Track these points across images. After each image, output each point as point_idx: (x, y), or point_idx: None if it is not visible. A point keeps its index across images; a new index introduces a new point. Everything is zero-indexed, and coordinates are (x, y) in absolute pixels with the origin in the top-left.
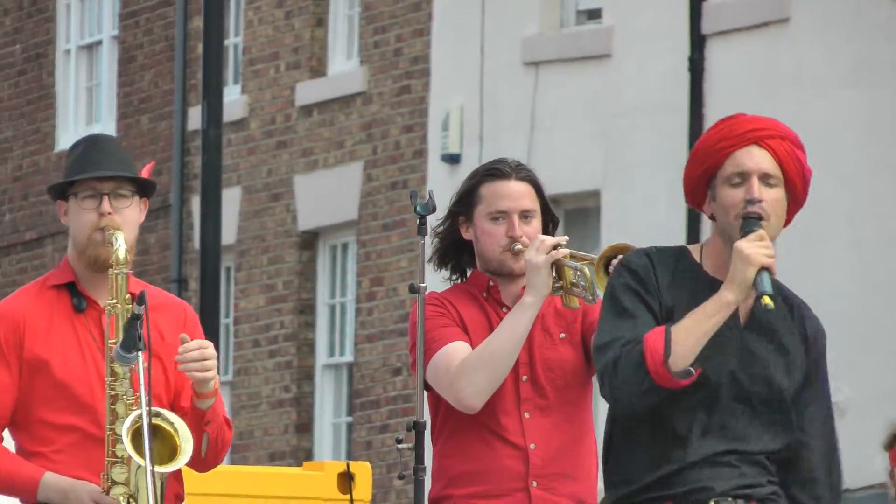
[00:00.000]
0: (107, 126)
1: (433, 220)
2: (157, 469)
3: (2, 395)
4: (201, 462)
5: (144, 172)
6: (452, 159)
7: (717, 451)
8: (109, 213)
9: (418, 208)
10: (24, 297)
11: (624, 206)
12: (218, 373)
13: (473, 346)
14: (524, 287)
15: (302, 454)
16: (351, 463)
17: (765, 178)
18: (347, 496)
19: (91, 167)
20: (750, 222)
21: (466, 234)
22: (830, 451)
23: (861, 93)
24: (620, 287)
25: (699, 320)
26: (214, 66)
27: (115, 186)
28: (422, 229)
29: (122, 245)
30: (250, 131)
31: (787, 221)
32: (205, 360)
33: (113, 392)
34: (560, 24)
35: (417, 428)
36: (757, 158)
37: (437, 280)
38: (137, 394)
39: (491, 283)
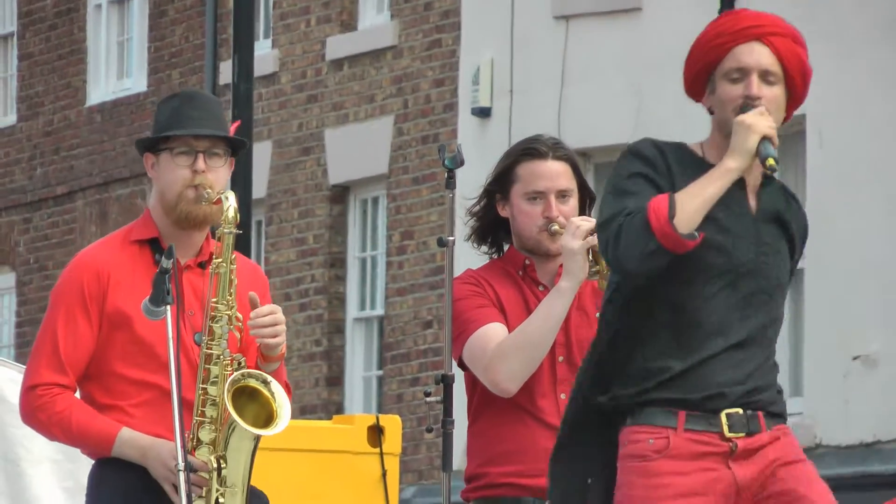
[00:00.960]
0: (138, 81)
1: (462, 179)
2: (252, 430)
3: (81, 346)
4: None
5: (231, 131)
6: (483, 113)
7: (736, 342)
8: (203, 171)
9: (447, 162)
10: (108, 249)
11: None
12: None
13: (510, 325)
14: (561, 266)
15: (333, 407)
16: (380, 416)
17: (764, 76)
18: (377, 449)
19: (189, 123)
20: (749, 108)
21: (503, 212)
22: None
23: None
24: (627, 173)
25: (703, 185)
26: (245, 20)
27: (210, 145)
28: (450, 183)
29: (233, 204)
30: (281, 85)
31: (787, 118)
32: (276, 325)
33: (209, 351)
34: None
35: (446, 381)
36: (757, 55)
37: (462, 234)
38: (235, 354)
39: (527, 262)
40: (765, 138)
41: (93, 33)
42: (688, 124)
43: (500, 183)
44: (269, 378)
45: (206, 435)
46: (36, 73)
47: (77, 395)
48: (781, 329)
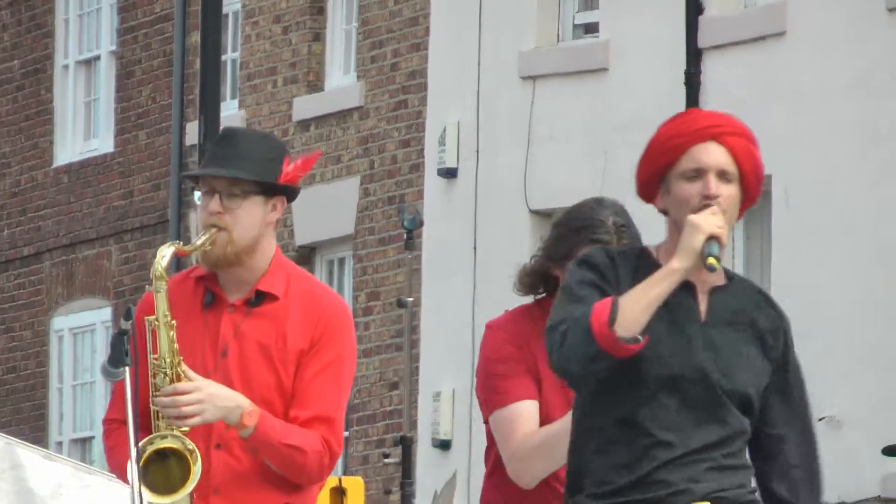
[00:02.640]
0: (105, 141)
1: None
2: (148, 495)
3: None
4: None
5: (294, 169)
6: (449, 174)
7: (692, 449)
8: (219, 213)
9: (406, 223)
10: (176, 281)
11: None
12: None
13: (542, 399)
14: None
15: None
16: (343, 478)
17: (721, 175)
18: None
19: (211, 163)
20: (706, 207)
21: (557, 272)
22: (808, 443)
23: (858, 106)
24: (578, 280)
25: (646, 287)
26: (212, 80)
27: (228, 184)
28: (410, 244)
29: (164, 257)
30: None
31: (739, 216)
32: (177, 406)
33: (154, 408)
34: (557, 39)
35: (405, 443)
36: (714, 154)
37: (432, 296)
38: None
39: None
40: (712, 238)
41: (60, 94)
42: None
43: (556, 259)
44: (193, 447)
45: None
46: (3, 134)
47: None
48: None
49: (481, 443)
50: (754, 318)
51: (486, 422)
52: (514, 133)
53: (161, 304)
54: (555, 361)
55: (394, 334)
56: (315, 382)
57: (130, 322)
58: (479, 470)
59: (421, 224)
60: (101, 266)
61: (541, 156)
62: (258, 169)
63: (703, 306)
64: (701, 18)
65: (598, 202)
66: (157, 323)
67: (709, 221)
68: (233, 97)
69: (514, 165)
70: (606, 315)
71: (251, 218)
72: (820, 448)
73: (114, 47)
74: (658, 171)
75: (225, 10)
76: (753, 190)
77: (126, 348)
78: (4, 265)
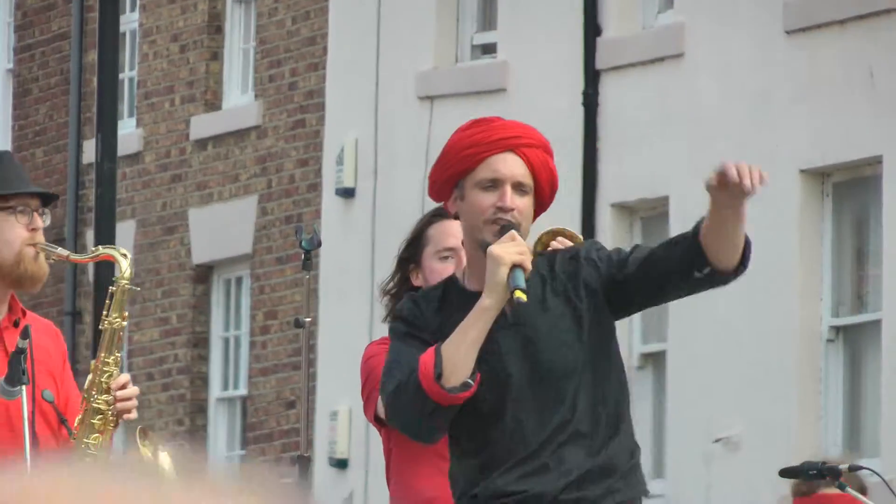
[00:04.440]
0: None
1: (326, 258)
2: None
3: None
4: None
5: None
6: (347, 193)
7: (541, 443)
8: (41, 228)
9: (303, 243)
10: None
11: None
12: None
13: None
14: None
15: None
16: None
17: (517, 187)
18: None
19: (19, 183)
20: (508, 226)
21: (416, 281)
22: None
23: (755, 127)
24: (394, 336)
25: (463, 331)
26: (109, 99)
27: (39, 203)
28: (307, 264)
29: (128, 259)
30: (145, 165)
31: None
32: (132, 398)
33: (96, 406)
34: (455, 59)
35: (302, 462)
36: (511, 166)
37: (329, 316)
38: (112, 409)
39: None
40: (514, 267)
41: None
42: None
43: (412, 249)
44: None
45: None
46: None
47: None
48: (644, 411)
49: (378, 462)
50: (554, 291)
51: (377, 423)
52: (413, 153)
53: (121, 305)
54: (393, 421)
55: (290, 353)
56: (73, 395)
57: (27, 340)
58: (376, 489)
59: (319, 244)
60: None
61: None
62: None
63: (506, 308)
64: (599, 40)
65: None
66: (116, 323)
67: (509, 252)
68: (130, 115)
69: (412, 185)
70: (431, 371)
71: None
72: (717, 470)
73: (10, 65)
74: (454, 176)
75: (122, 28)
76: (547, 200)
77: (24, 367)
78: None
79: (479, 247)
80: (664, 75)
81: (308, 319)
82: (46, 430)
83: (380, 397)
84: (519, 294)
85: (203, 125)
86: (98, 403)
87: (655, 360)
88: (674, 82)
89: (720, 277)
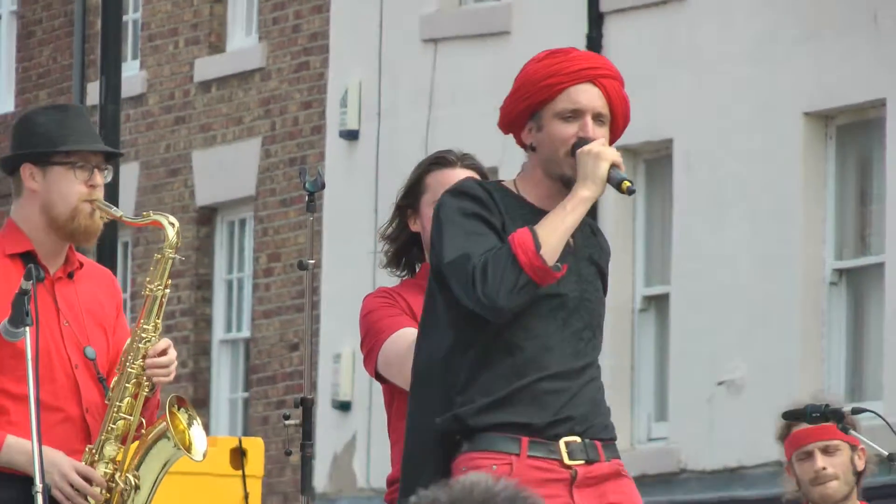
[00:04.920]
0: (5, 101)
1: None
2: (185, 452)
3: None
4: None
5: None
6: (350, 136)
7: (566, 377)
8: (100, 185)
9: (307, 185)
10: None
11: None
12: None
13: None
14: None
15: None
16: (243, 438)
17: (597, 117)
18: (240, 472)
19: (85, 138)
20: (584, 143)
21: (414, 227)
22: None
23: (759, 70)
24: (462, 212)
25: (560, 216)
26: (113, 41)
27: (101, 160)
28: (311, 206)
29: (176, 227)
30: (149, 107)
31: None
32: (171, 364)
33: (130, 370)
34: (459, 1)
35: (305, 404)
36: (591, 96)
37: (332, 258)
38: (148, 373)
39: None
40: (613, 165)
41: None
42: None
43: (411, 196)
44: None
45: (110, 450)
46: None
47: None
48: (646, 354)
49: (381, 405)
50: (597, 258)
51: (378, 379)
52: (416, 95)
53: (166, 269)
54: (477, 296)
55: (294, 296)
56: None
57: (32, 282)
58: (379, 432)
59: (322, 186)
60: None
61: (442, 118)
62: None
63: (570, 239)
64: None
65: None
66: (159, 291)
67: (607, 150)
68: (134, 58)
69: (415, 128)
70: (532, 245)
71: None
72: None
73: (14, 7)
74: (531, 107)
75: None
76: (620, 131)
77: (27, 308)
78: None
79: (553, 178)
80: (667, 17)
81: (312, 262)
82: (91, 385)
83: (381, 351)
84: (627, 184)
85: (207, 67)
86: (133, 368)
87: (658, 303)
88: (677, 24)
89: None
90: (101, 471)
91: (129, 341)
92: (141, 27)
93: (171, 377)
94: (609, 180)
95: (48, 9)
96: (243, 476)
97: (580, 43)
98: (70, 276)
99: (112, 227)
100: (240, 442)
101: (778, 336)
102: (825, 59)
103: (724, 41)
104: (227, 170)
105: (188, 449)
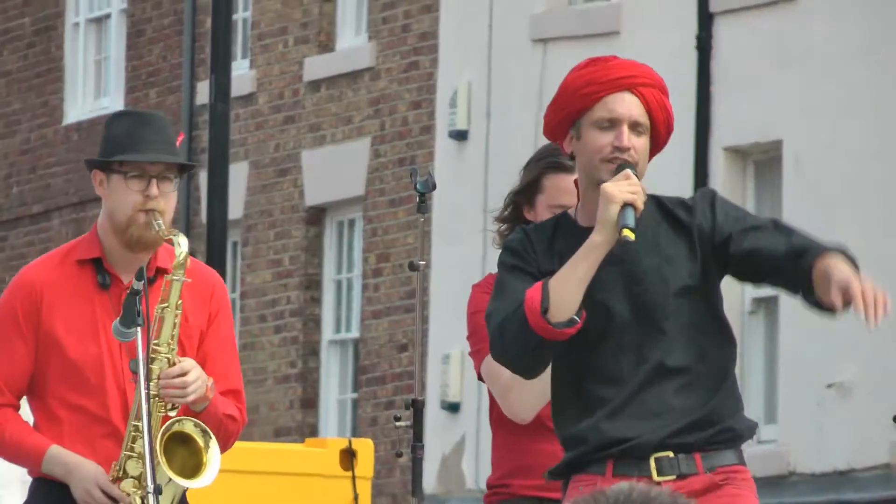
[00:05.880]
0: (115, 100)
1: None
2: (177, 480)
3: (17, 364)
4: None
5: (177, 142)
6: (460, 136)
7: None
8: (156, 197)
9: (418, 186)
10: (46, 268)
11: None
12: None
13: None
14: None
15: (307, 430)
16: (353, 440)
17: (634, 126)
18: (349, 473)
19: (143, 146)
20: (624, 166)
21: (529, 216)
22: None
23: (871, 71)
24: (502, 268)
25: (573, 266)
26: (223, 40)
27: (163, 169)
28: (422, 207)
29: (184, 249)
30: (258, 106)
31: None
32: (185, 387)
33: (146, 391)
34: (569, 1)
35: (416, 406)
36: (628, 105)
37: (442, 258)
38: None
39: None
40: (626, 206)
41: (70, 52)
42: (664, 149)
43: (526, 193)
44: (205, 427)
45: (133, 469)
46: (13, 91)
47: (22, 412)
48: (756, 356)
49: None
50: (670, 237)
51: (479, 377)
52: (525, 95)
53: (175, 293)
54: (497, 356)
55: (402, 296)
56: (220, 357)
57: (142, 282)
58: (488, 433)
59: (434, 187)
60: None
61: None
62: (178, 153)
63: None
64: None
65: None
66: (168, 310)
67: (621, 189)
68: (243, 57)
69: (524, 128)
70: (538, 304)
71: (174, 200)
72: (829, 416)
73: (124, 5)
74: (570, 116)
75: None
76: (662, 140)
77: (139, 308)
78: (14, 223)
79: (595, 185)
80: (778, 17)
81: (422, 262)
82: (117, 395)
83: (485, 361)
84: (626, 233)
85: (316, 66)
86: (149, 388)
87: (767, 305)
88: (788, 25)
89: (824, 310)
90: (125, 488)
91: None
92: (251, 26)
93: (191, 398)
94: (616, 223)
95: (158, 7)
96: (353, 477)
97: (690, 43)
98: (150, 280)
99: (221, 226)
100: (349, 443)
101: (888, 338)
102: None
103: (836, 41)
104: (336, 170)
105: (198, 471)
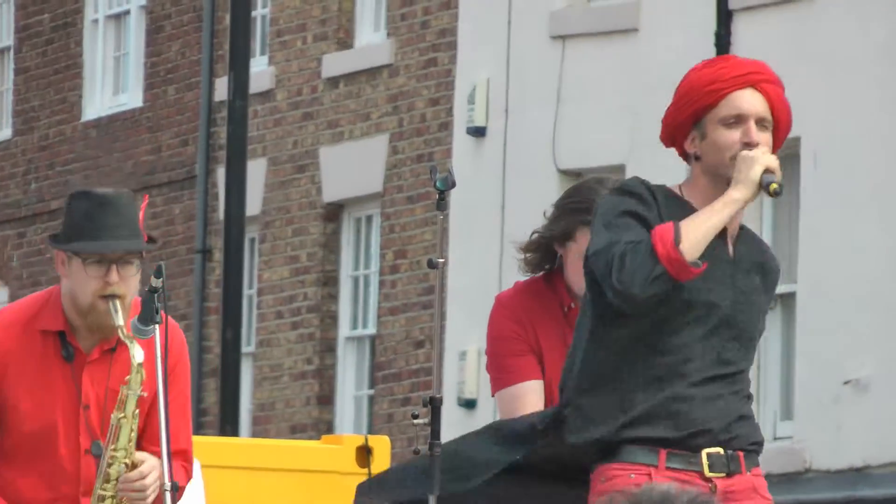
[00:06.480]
0: (134, 96)
1: (457, 197)
2: None
3: None
4: None
5: (142, 208)
6: (478, 132)
7: (707, 385)
8: (116, 283)
9: (438, 183)
10: (10, 336)
11: (650, 180)
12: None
13: (546, 377)
14: None
15: (323, 426)
16: (370, 437)
17: (760, 122)
18: (366, 470)
19: (103, 232)
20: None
21: (559, 249)
22: None
23: (890, 67)
24: (618, 210)
25: (708, 214)
26: (242, 36)
27: (123, 253)
28: (441, 204)
29: (139, 360)
30: (276, 102)
31: None
32: (144, 489)
33: (102, 493)
34: None
35: (434, 403)
36: (753, 101)
37: (459, 255)
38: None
39: (572, 306)
40: (767, 171)
41: (89, 48)
42: None
43: (558, 238)
44: None
45: None
46: (32, 88)
47: None
48: (773, 353)
49: None
50: (767, 268)
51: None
52: (544, 92)
53: (131, 404)
54: (613, 284)
55: (420, 293)
56: (171, 416)
57: (161, 279)
58: None
59: (453, 185)
60: None
61: (570, 115)
62: (140, 234)
63: (730, 249)
64: None
65: (599, 182)
66: (124, 420)
67: (763, 155)
68: (262, 53)
69: (543, 125)
70: (671, 237)
71: (137, 282)
72: (846, 412)
73: (143, 2)
74: (695, 114)
75: None
76: (783, 136)
77: (157, 306)
78: (32, 219)
79: (723, 183)
80: (797, 15)
81: (441, 260)
82: (75, 476)
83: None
84: (774, 186)
85: (335, 63)
86: (104, 490)
87: (785, 302)
88: (806, 22)
89: None
90: None
91: (100, 464)
92: (269, 22)
93: (150, 500)
94: (760, 183)
95: (177, 4)
96: (369, 474)
97: (709, 41)
98: (112, 350)
99: (239, 222)
100: (366, 440)
101: None
102: None
103: (855, 38)
104: (354, 166)
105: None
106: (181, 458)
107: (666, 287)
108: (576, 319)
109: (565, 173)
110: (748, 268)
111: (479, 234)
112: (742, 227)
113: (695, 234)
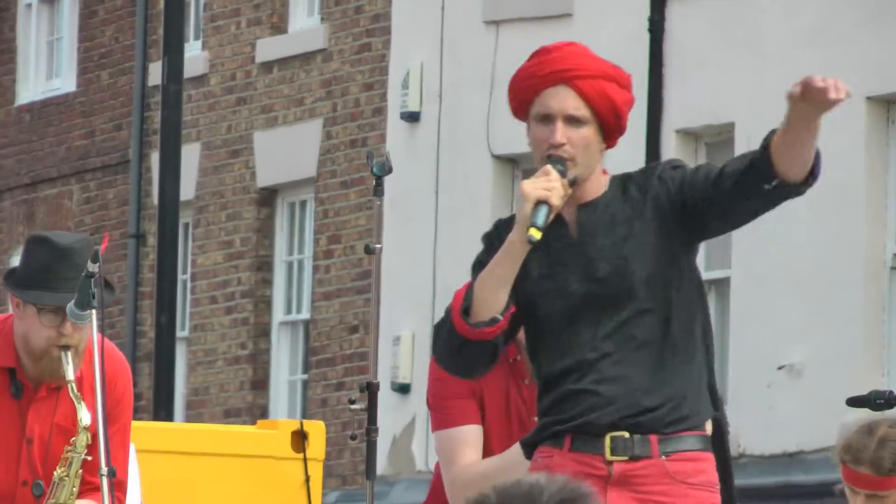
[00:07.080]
0: (67, 81)
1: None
2: None
3: None
4: None
5: (101, 247)
6: (412, 117)
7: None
8: (70, 334)
9: (375, 169)
10: None
11: None
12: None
13: (486, 421)
14: None
15: (257, 411)
16: (305, 422)
17: (569, 120)
18: (301, 455)
19: (58, 284)
20: (552, 160)
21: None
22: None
23: (820, 54)
24: (474, 262)
25: (491, 266)
26: (175, 21)
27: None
28: (378, 190)
29: (86, 424)
30: (210, 87)
31: (611, 145)
32: None
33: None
34: None
35: (370, 389)
36: (561, 99)
37: (392, 240)
38: None
39: (518, 357)
40: (540, 203)
41: (23, 33)
42: None
43: None
44: None
45: None
46: None
47: None
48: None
49: None
50: (633, 210)
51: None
52: (478, 77)
53: (76, 465)
54: (435, 359)
55: (353, 278)
56: (110, 447)
57: (98, 264)
58: None
59: (390, 170)
60: (62, 206)
61: (504, 100)
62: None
63: (572, 227)
64: None
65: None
66: (66, 479)
67: (536, 186)
68: (196, 38)
69: (477, 110)
70: (458, 306)
71: (89, 330)
72: (779, 398)
73: None
74: (521, 105)
75: None
76: (614, 127)
77: (93, 291)
78: None
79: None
80: (730, 1)
81: (378, 246)
82: None
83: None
84: (532, 231)
85: (269, 48)
86: None
87: (719, 287)
88: (740, 8)
89: (790, 189)
90: None
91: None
92: (203, 7)
93: None
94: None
95: None
96: (304, 459)
97: (642, 26)
98: (59, 388)
99: (173, 207)
100: (301, 425)
101: (838, 321)
102: (887, 43)
103: (786, 25)
104: (288, 151)
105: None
106: (118, 489)
107: (478, 350)
108: (521, 371)
109: (499, 158)
110: (607, 229)
111: (413, 219)
112: (611, 184)
113: (482, 294)
